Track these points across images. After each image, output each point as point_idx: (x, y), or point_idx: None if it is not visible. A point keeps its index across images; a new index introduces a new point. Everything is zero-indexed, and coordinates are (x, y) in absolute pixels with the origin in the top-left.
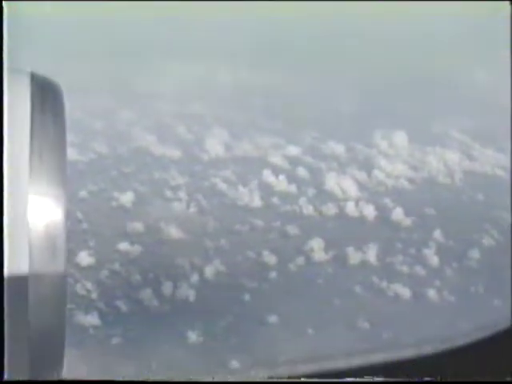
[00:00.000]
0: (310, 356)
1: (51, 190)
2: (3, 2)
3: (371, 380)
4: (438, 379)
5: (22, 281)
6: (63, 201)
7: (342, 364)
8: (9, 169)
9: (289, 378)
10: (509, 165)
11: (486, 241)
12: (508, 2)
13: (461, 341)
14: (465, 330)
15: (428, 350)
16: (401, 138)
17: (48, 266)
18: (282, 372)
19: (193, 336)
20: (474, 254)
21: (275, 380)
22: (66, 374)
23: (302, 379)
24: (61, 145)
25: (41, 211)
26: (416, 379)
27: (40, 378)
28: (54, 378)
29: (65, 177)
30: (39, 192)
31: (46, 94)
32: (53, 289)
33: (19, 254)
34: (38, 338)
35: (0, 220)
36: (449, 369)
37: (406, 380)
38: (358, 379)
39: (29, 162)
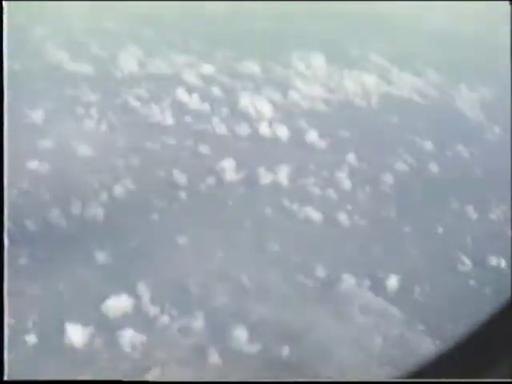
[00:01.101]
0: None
1: None
2: (3, 2)
3: (372, 380)
4: (438, 379)
5: None
6: None
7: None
8: None
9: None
10: (425, 90)
11: (399, 165)
12: (508, 2)
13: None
14: (376, 255)
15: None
16: (318, 59)
17: None
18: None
19: (101, 257)
20: (387, 178)
21: (277, 380)
22: None
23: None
24: None
25: None
26: (417, 379)
27: None
28: None
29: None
30: None
31: None
32: None
33: None
34: None
35: (0, 219)
36: (448, 368)
37: (408, 380)
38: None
39: None
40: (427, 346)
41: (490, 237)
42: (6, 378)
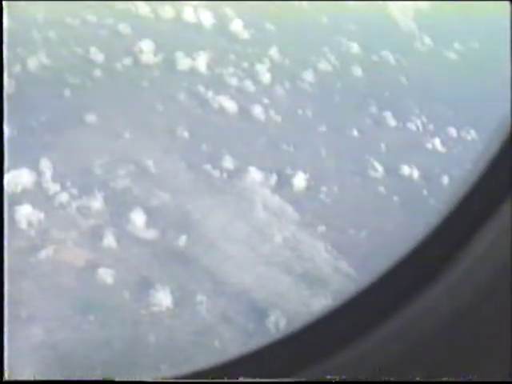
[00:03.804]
0: None
1: None
2: (3, 2)
3: (371, 380)
4: (438, 379)
5: None
6: None
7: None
8: None
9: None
10: None
11: (322, 65)
12: (508, 2)
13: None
14: (287, 152)
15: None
16: None
17: None
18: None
19: (6, 129)
20: (308, 76)
21: (276, 380)
22: None
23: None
24: None
25: None
26: (416, 379)
27: None
28: None
29: None
30: None
31: None
32: None
33: None
34: None
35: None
36: (448, 368)
37: (405, 380)
38: (357, 378)
39: None
40: (319, 251)
41: (405, 146)
42: (5, 378)
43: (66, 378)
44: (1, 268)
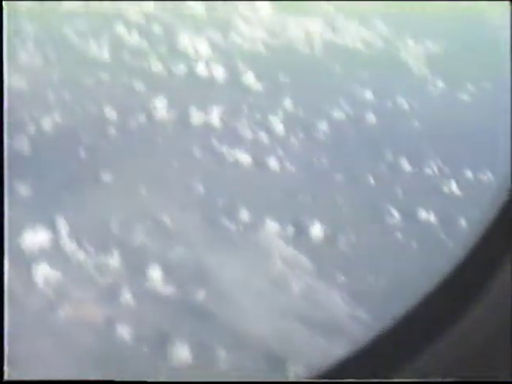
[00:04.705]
0: None
1: None
2: (3, 2)
3: (371, 380)
4: (438, 379)
5: None
6: None
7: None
8: None
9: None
10: (370, 39)
11: (336, 113)
12: (508, 2)
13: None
14: (303, 202)
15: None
16: (263, 2)
17: None
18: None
19: (21, 189)
20: (322, 125)
21: (275, 380)
22: None
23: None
24: None
25: None
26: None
27: None
28: None
29: None
30: None
31: None
32: None
33: None
34: None
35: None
36: (448, 368)
37: (406, 380)
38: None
39: None
40: (337, 300)
41: (422, 191)
42: (5, 378)
43: (66, 378)
44: (1, 269)
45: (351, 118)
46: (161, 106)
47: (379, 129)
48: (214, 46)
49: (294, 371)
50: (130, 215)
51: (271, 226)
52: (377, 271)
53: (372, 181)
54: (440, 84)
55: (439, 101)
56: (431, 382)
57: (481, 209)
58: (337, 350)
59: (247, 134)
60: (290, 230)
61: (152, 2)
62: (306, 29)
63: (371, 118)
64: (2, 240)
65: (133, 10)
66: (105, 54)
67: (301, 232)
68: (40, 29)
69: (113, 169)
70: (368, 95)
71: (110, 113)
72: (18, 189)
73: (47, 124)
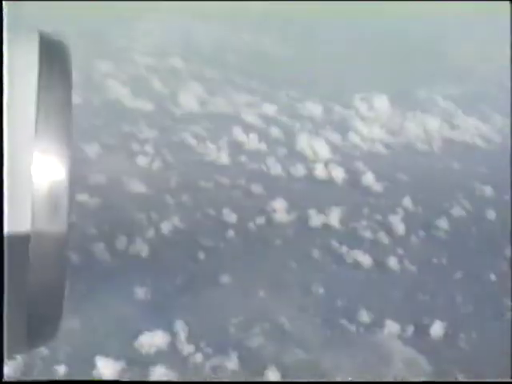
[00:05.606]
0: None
1: (56, 148)
2: (3, 2)
3: (370, 380)
4: (438, 379)
5: (23, 239)
6: (67, 160)
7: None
8: (15, 126)
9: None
10: (489, 135)
11: (456, 211)
12: (508, 2)
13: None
14: (423, 302)
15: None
16: (381, 101)
17: (50, 225)
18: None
19: (141, 293)
20: (442, 223)
21: (275, 380)
22: None
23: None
24: (67, 104)
25: (45, 170)
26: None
27: (36, 335)
28: (50, 335)
29: (70, 136)
30: (44, 150)
31: (53, 53)
32: (54, 248)
33: (21, 212)
34: (38, 296)
35: (0, 221)
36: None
37: (405, 381)
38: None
39: (35, 119)
40: None
41: None
42: (5, 378)
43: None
44: (1, 268)
45: (471, 215)
46: (280, 208)
47: (498, 224)
48: (332, 147)
49: None
50: (248, 317)
51: (391, 326)
52: (498, 370)
53: (493, 277)
54: None
55: None
56: (432, 382)
57: None
58: None
59: (367, 234)
60: (410, 330)
61: (271, 105)
62: (425, 125)
63: (491, 213)
64: (1, 241)
65: (251, 113)
66: (223, 158)
67: (420, 331)
68: (159, 133)
69: (231, 271)
70: (488, 191)
71: (229, 215)
72: (137, 292)
73: (166, 228)
